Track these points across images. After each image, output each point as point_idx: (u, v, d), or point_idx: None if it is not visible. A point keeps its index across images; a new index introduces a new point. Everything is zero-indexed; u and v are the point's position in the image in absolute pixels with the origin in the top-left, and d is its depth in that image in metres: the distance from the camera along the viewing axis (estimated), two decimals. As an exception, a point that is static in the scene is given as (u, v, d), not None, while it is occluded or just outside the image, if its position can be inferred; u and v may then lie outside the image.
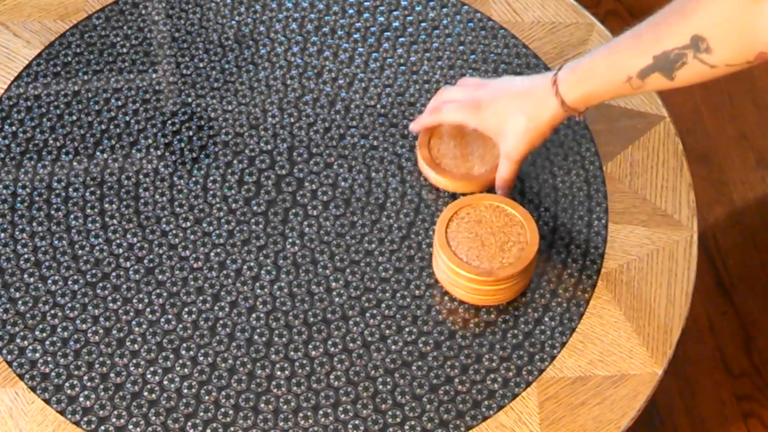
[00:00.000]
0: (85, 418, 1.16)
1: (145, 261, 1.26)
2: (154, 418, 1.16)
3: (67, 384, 1.18)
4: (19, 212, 1.29)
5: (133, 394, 1.17)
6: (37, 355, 1.20)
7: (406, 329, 1.22)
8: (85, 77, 1.40)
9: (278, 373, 1.19)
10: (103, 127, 1.36)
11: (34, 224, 1.28)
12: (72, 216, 1.29)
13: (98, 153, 1.34)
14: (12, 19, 1.45)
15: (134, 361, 1.19)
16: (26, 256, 1.26)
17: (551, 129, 1.25)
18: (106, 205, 1.30)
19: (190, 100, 1.39)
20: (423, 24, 1.46)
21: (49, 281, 1.24)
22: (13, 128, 1.36)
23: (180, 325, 1.22)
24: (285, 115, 1.38)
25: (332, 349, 1.21)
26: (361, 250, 1.27)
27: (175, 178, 1.32)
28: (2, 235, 1.27)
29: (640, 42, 1.16)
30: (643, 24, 1.18)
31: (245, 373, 1.19)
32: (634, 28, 1.19)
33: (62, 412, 1.16)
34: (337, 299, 1.24)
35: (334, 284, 1.25)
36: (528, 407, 1.18)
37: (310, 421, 1.16)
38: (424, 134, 1.33)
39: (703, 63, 1.12)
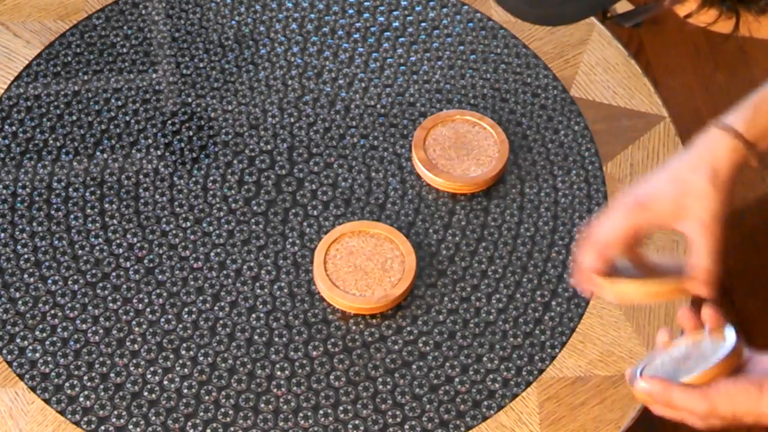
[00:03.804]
0: (85, 418, 1.16)
1: (145, 261, 1.26)
2: (154, 418, 1.16)
3: (67, 384, 1.18)
4: (19, 212, 1.29)
5: (133, 394, 1.17)
6: (37, 355, 1.20)
7: (406, 329, 1.22)
8: (85, 77, 1.40)
9: (278, 373, 1.19)
10: (103, 127, 1.36)
11: (34, 224, 1.28)
12: (72, 216, 1.29)
13: (98, 153, 1.34)
14: (12, 19, 1.45)
15: (134, 361, 1.19)
16: (26, 256, 1.26)
17: (731, 174, 1.02)
18: (106, 205, 1.30)
19: (190, 100, 1.39)
20: (423, 24, 1.46)
21: (49, 281, 1.24)
22: (13, 128, 1.36)
23: (180, 325, 1.22)
24: (285, 115, 1.38)
25: (332, 349, 1.21)
26: (361, 250, 1.28)
27: (175, 178, 1.32)
28: (2, 235, 1.27)
29: None
30: None
31: (245, 373, 1.19)
32: None
33: (62, 412, 1.16)
34: (337, 299, 1.24)
35: (334, 284, 1.25)
36: (528, 407, 1.18)
37: (310, 421, 1.16)
38: (420, 135, 1.34)
39: None
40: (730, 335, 1.03)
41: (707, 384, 0.99)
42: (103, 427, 1.15)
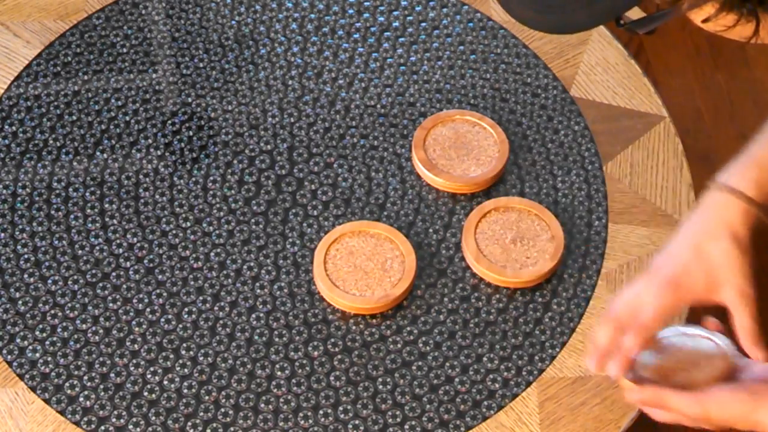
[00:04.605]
0: (85, 418, 1.16)
1: (145, 261, 1.26)
2: (154, 418, 1.16)
3: (67, 384, 1.18)
4: (19, 212, 1.29)
5: (133, 394, 1.17)
6: (37, 355, 1.20)
7: (406, 329, 1.22)
8: (85, 77, 1.40)
9: (278, 373, 1.19)
10: (103, 127, 1.36)
11: (34, 224, 1.28)
12: (72, 216, 1.29)
13: (98, 153, 1.34)
14: (12, 19, 1.45)
15: (134, 361, 1.19)
16: (26, 256, 1.26)
17: (749, 234, 1.02)
18: (106, 205, 1.30)
19: (190, 100, 1.39)
20: (423, 24, 1.46)
21: (49, 281, 1.24)
22: (13, 128, 1.35)
23: (180, 325, 1.22)
24: (285, 115, 1.38)
25: (332, 349, 1.21)
26: (361, 250, 1.28)
27: (175, 178, 1.32)
28: (2, 235, 1.27)
29: None
30: None
31: (245, 373, 1.19)
32: None
33: (62, 412, 1.16)
34: (337, 299, 1.24)
35: (334, 284, 1.25)
36: (528, 407, 1.18)
37: (310, 421, 1.16)
38: (420, 135, 1.34)
39: None
40: (723, 338, 1.04)
41: (701, 389, 0.99)
42: (103, 427, 1.15)
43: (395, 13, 1.47)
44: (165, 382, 1.18)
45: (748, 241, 1.01)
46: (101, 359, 1.19)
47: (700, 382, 1.00)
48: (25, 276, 1.25)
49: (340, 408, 1.17)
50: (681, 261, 1.02)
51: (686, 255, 1.02)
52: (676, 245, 1.03)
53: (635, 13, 0.85)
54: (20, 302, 1.23)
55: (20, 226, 1.28)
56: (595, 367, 1.02)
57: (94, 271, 1.25)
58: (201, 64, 1.42)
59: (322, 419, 1.16)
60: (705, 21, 0.80)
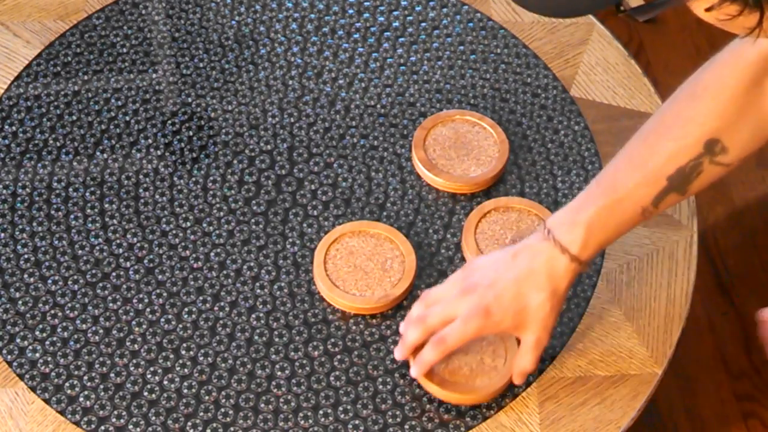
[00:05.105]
0: (85, 418, 1.16)
1: (145, 261, 1.26)
2: (154, 418, 1.16)
3: (67, 384, 1.18)
4: (19, 212, 1.29)
5: (133, 394, 1.17)
6: (37, 355, 1.20)
7: (406, 329, 1.22)
8: (85, 77, 1.40)
9: (278, 373, 1.19)
10: (103, 127, 1.36)
11: (34, 224, 1.28)
12: (72, 216, 1.29)
13: (98, 153, 1.34)
14: (12, 19, 1.45)
15: (134, 361, 1.19)
16: (26, 256, 1.26)
17: (568, 290, 1.14)
18: (106, 205, 1.30)
19: (190, 100, 1.39)
20: (423, 24, 1.46)
21: (49, 281, 1.24)
22: (13, 128, 1.35)
23: (180, 325, 1.22)
24: (285, 115, 1.38)
25: (332, 349, 1.21)
26: (361, 250, 1.28)
27: (175, 178, 1.32)
28: (2, 235, 1.27)
29: (647, 169, 1.09)
30: (637, 148, 1.10)
31: (245, 373, 1.19)
32: (626, 154, 1.11)
33: (62, 412, 1.16)
34: (337, 299, 1.24)
35: (334, 284, 1.25)
36: (528, 407, 1.18)
37: (310, 421, 1.16)
38: (420, 135, 1.34)
39: (719, 165, 1.07)
40: None
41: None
42: (103, 427, 1.15)
43: (395, 13, 1.47)
44: (165, 382, 1.18)
45: (564, 295, 1.13)
46: (101, 359, 1.19)
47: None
48: (25, 276, 1.25)
49: (340, 408, 1.17)
50: (501, 294, 1.11)
51: (508, 291, 1.11)
52: (502, 279, 1.11)
53: (636, 1, 0.83)
54: (20, 302, 1.23)
55: (20, 226, 1.28)
56: (400, 357, 1.16)
57: (94, 271, 1.25)
58: (201, 64, 1.42)
59: (322, 419, 1.16)
60: (708, 10, 0.79)
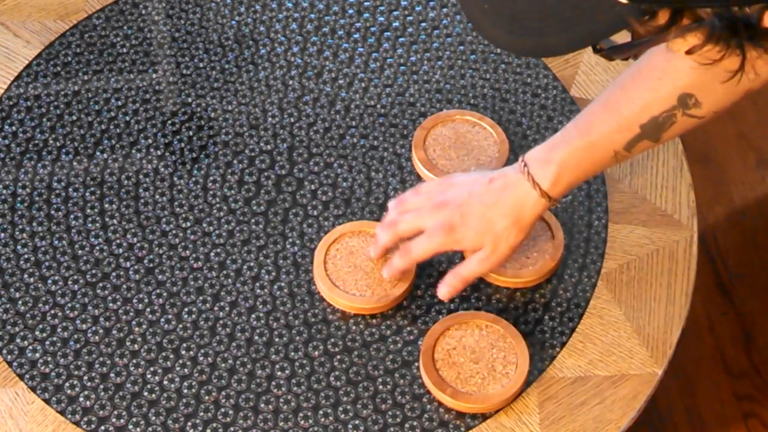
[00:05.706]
0: (85, 418, 1.16)
1: (145, 261, 1.26)
2: (154, 418, 1.16)
3: (67, 384, 1.18)
4: (19, 212, 1.29)
5: (133, 394, 1.17)
6: (37, 355, 1.20)
7: (407, 329, 1.22)
8: (85, 77, 1.40)
9: (278, 373, 1.19)
10: (103, 127, 1.36)
11: (34, 224, 1.28)
12: (72, 216, 1.29)
13: (98, 153, 1.34)
14: (12, 19, 1.45)
15: (134, 361, 1.19)
16: (26, 256, 1.26)
17: (534, 223, 1.19)
18: (106, 205, 1.30)
19: (190, 100, 1.39)
20: (423, 24, 1.46)
21: (49, 281, 1.24)
22: (13, 128, 1.36)
23: (180, 325, 1.22)
24: (285, 115, 1.38)
25: (332, 349, 1.21)
26: (361, 250, 1.27)
27: (175, 178, 1.32)
28: (2, 235, 1.27)
29: (621, 116, 1.11)
30: (614, 94, 1.13)
31: (245, 373, 1.19)
32: (603, 99, 1.14)
33: (62, 412, 1.16)
34: (337, 299, 1.24)
35: (334, 284, 1.25)
36: (528, 407, 1.18)
37: (310, 421, 1.16)
38: (420, 135, 1.34)
39: (692, 117, 1.09)
40: None
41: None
42: (103, 427, 1.15)
43: (395, 13, 1.47)
44: (165, 382, 1.18)
45: (530, 226, 1.17)
46: (101, 359, 1.19)
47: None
48: (25, 276, 1.25)
49: (340, 408, 1.17)
50: (468, 213, 1.16)
51: (476, 213, 1.16)
52: (473, 202, 1.17)
53: (615, 37, 0.83)
54: (20, 302, 1.23)
55: (20, 226, 1.28)
56: (374, 256, 1.23)
57: (94, 271, 1.25)
58: (201, 64, 1.42)
59: (322, 419, 1.16)
60: (689, 52, 0.78)
